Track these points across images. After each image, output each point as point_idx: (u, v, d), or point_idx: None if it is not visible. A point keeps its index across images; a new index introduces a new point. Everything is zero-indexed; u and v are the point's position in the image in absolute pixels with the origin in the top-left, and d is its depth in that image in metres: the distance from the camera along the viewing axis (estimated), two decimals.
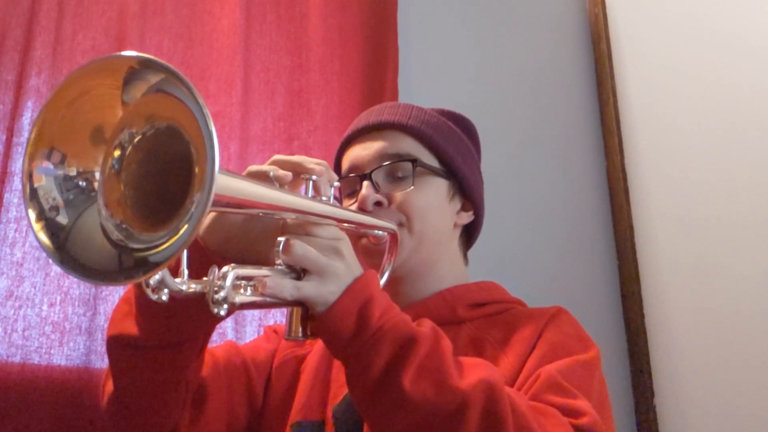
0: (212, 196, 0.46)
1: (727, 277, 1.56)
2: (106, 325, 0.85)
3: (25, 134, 1.18)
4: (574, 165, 1.93)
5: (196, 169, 0.48)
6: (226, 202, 0.56)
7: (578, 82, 2.02)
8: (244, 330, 1.31)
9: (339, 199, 1.02)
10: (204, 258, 0.68)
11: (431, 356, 0.67)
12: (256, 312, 1.33)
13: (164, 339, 0.73)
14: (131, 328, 0.73)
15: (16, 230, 1.14)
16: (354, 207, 0.95)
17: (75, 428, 1.09)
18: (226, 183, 0.54)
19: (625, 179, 1.88)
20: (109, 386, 0.80)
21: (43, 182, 0.52)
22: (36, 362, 1.11)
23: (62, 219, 0.52)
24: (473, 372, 0.68)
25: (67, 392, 1.10)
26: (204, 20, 1.44)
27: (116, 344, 0.76)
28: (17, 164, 1.16)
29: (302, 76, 1.52)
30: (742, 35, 1.61)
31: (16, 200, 1.15)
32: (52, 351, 1.12)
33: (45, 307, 1.14)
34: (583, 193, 1.91)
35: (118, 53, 0.51)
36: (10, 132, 1.17)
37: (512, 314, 0.95)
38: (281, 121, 1.47)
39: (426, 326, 0.71)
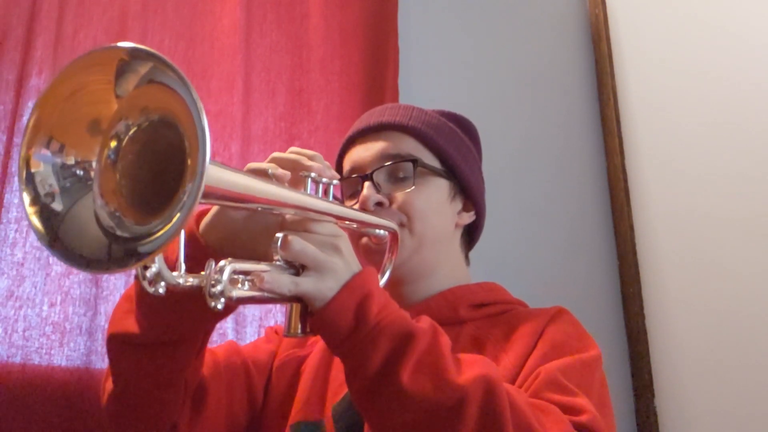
0: (203, 185, 0.46)
1: (728, 277, 1.56)
2: (106, 326, 0.85)
3: None
4: (575, 165, 1.93)
5: (189, 161, 0.49)
6: (221, 195, 0.56)
7: (578, 82, 2.02)
8: (245, 330, 1.30)
9: (341, 200, 1.02)
10: (203, 255, 0.68)
11: (429, 352, 0.67)
12: (257, 312, 1.33)
13: (164, 336, 0.74)
14: (131, 325, 0.73)
15: (16, 231, 1.14)
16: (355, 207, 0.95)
17: (75, 429, 1.09)
18: (219, 175, 0.54)
19: (625, 179, 1.88)
20: (109, 384, 0.81)
21: (41, 168, 0.53)
22: (36, 363, 1.10)
23: (57, 206, 0.52)
24: (472, 368, 0.68)
25: (67, 393, 1.10)
26: (205, 19, 1.44)
27: (116, 342, 0.76)
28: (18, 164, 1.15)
29: (303, 75, 1.52)
30: (743, 35, 1.61)
31: (16, 201, 1.15)
32: (52, 351, 1.12)
33: (45, 308, 1.13)
34: (583, 194, 1.91)
35: (104, 46, 0.52)
36: (11, 132, 1.17)
37: (513, 314, 0.95)
38: (282, 121, 1.47)
39: (424, 322, 0.71)
